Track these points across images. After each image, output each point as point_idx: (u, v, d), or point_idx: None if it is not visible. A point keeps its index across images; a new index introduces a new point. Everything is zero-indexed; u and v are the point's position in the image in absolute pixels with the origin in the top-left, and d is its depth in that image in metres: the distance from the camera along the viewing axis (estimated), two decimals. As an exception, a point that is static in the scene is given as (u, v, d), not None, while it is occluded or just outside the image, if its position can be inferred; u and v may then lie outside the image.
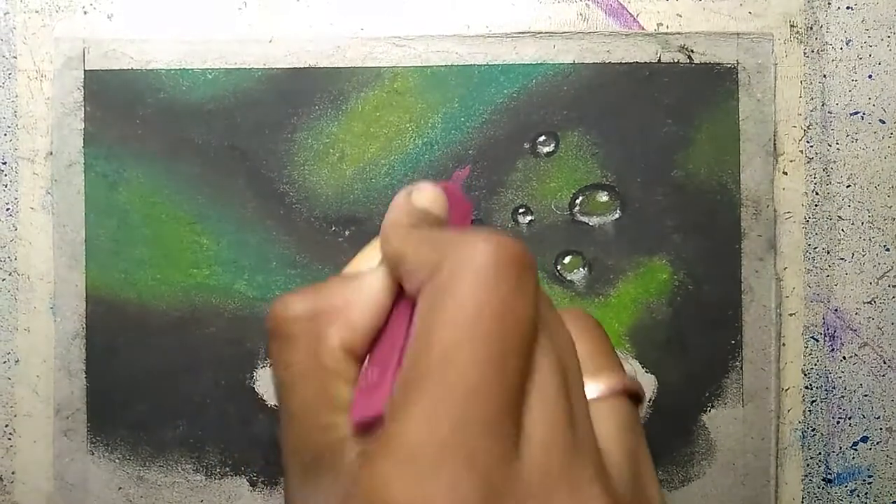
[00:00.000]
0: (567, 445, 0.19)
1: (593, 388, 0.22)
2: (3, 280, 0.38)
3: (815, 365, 0.38)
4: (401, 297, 0.23)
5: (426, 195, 0.25)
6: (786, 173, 0.38)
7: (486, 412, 0.18)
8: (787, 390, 0.38)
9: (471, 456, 0.18)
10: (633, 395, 0.23)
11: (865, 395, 0.38)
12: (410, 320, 0.22)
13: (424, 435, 0.18)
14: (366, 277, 0.24)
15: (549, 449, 0.19)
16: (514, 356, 0.19)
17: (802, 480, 0.38)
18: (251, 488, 0.38)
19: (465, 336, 0.19)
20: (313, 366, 0.22)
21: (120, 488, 0.37)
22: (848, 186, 0.38)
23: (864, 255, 0.38)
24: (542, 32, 0.38)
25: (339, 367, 0.23)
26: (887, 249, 0.38)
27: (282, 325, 0.23)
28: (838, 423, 0.38)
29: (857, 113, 0.38)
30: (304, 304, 0.23)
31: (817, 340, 0.38)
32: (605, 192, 0.38)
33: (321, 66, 0.37)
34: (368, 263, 0.25)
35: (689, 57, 0.38)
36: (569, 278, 0.38)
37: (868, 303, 0.38)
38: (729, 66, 0.38)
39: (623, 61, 0.38)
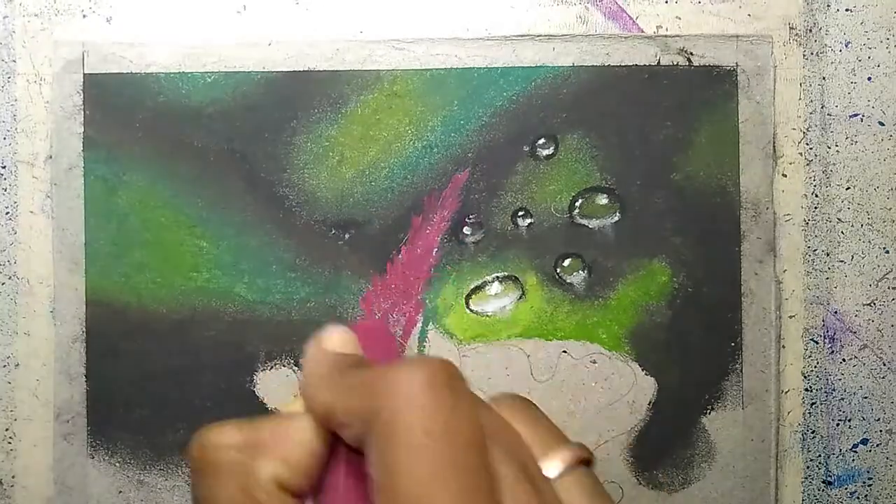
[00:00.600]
0: None
1: (552, 467, 0.22)
2: (3, 284, 0.38)
3: (815, 367, 0.38)
4: (337, 442, 0.23)
5: (335, 339, 0.24)
6: (785, 175, 0.38)
7: None
8: (786, 392, 0.38)
9: None
10: (586, 462, 0.23)
11: (865, 398, 0.38)
12: (352, 466, 0.22)
13: None
14: (300, 418, 0.23)
15: None
16: (476, 473, 0.19)
17: (802, 483, 0.38)
18: (251, 492, 0.38)
19: (428, 476, 0.19)
20: (242, 499, 0.21)
21: (120, 492, 0.37)
22: (847, 189, 0.38)
23: (863, 258, 0.38)
24: (541, 35, 0.38)
25: (271, 502, 0.22)
26: (887, 251, 0.38)
27: (208, 454, 0.22)
28: (838, 425, 0.38)
29: (856, 115, 0.38)
30: (233, 435, 0.22)
31: (817, 342, 0.38)
32: (605, 195, 0.38)
33: (320, 69, 0.38)
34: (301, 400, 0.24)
35: (689, 59, 0.38)
36: (568, 281, 0.38)
37: (868, 305, 0.38)
38: (728, 68, 0.38)
39: (622, 64, 0.38)
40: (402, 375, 0.20)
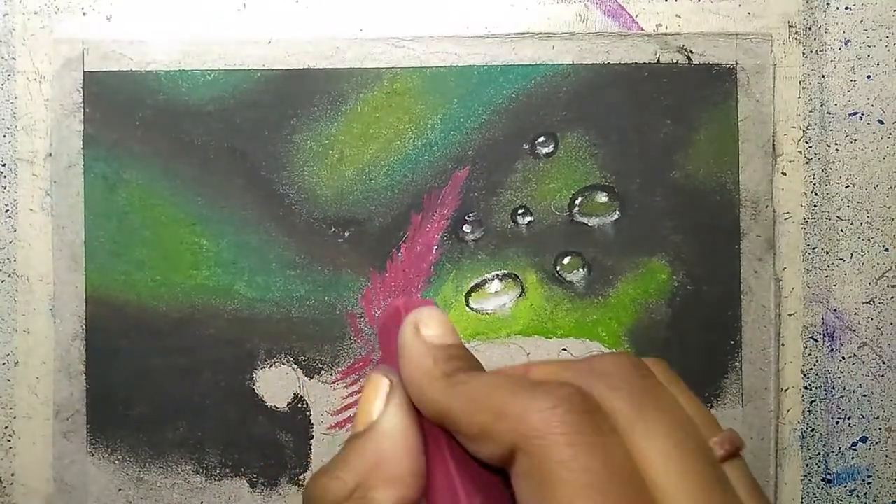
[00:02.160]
0: None
1: (715, 450, 0.21)
2: (3, 282, 0.38)
3: (815, 365, 0.38)
4: (428, 427, 0.22)
5: (435, 326, 0.23)
6: (785, 174, 0.38)
7: None
8: (786, 390, 0.38)
9: None
10: (738, 451, 0.22)
11: (864, 396, 0.38)
12: (459, 458, 0.21)
13: None
14: (383, 422, 0.22)
15: None
16: (636, 493, 0.19)
17: (802, 480, 0.38)
18: (251, 489, 0.38)
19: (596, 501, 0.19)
20: None
21: (119, 490, 0.37)
22: (847, 187, 0.38)
23: (863, 256, 0.38)
24: (540, 33, 0.38)
25: None
26: (886, 250, 0.38)
27: None
28: (837, 423, 0.38)
29: (855, 113, 0.38)
30: (338, 483, 0.22)
31: (816, 341, 0.38)
32: (605, 193, 0.38)
33: (320, 67, 0.38)
34: (374, 406, 0.23)
35: (688, 57, 0.38)
36: (568, 279, 0.38)
37: (867, 303, 0.38)
38: (728, 66, 0.38)
39: (622, 62, 0.38)
40: (539, 404, 0.19)
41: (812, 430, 0.38)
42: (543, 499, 0.19)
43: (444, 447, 0.22)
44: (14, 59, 0.38)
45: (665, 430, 0.20)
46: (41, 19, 0.38)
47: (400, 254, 0.38)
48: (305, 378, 0.38)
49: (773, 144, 0.38)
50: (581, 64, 0.38)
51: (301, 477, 0.37)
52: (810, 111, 0.38)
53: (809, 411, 0.38)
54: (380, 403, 0.23)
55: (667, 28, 0.38)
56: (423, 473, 0.22)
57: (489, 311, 0.38)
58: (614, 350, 0.23)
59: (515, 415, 0.19)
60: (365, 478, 0.21)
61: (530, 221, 0.38)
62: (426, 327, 0.23)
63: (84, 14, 0.38)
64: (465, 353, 0.23)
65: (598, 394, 0.21)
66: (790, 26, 0.38)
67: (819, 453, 0.38)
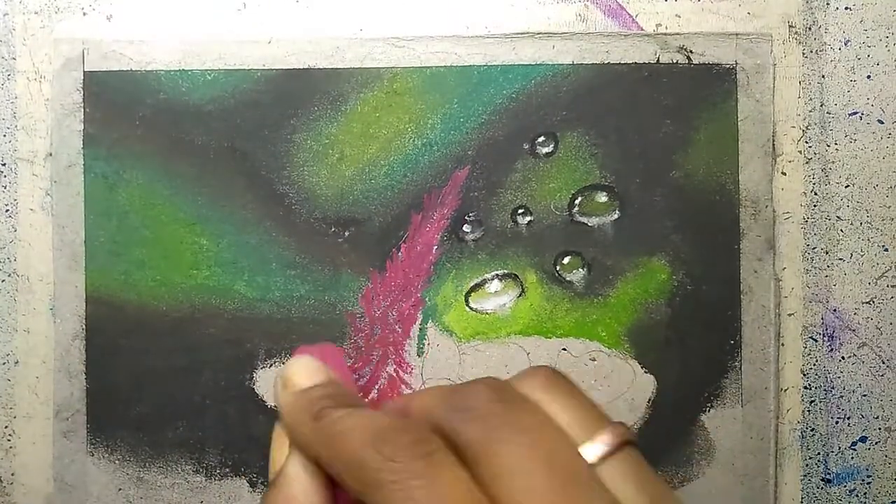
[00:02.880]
0: None
1: (592, 451, 0.22)
2: (3, 281, 0.38)
3: (814, 365, 0.38)
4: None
5: (300, 374, 0.24)
6: (784, 173, 0.38)
7: None
8: (786, 390, 0.38)
9: None
10: (630, 443, 0.23)
11: (864, 395, 0.38)
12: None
13: None
14: (287, 469, 0.23)
15: None
16: None
17: (801, 480, 0.38)
18: (251, 489, 0.38)
19: None
20: None
21: (120, 489, 0.37)
22: (847, 186, 0.38)
23: (862, 256, 0.38)
24: (540, 33, 0.38)
25: None
26: (886, 249, 0.38)
27: None
28: (837, 423, 0.38)
29: (855, 113, 0.38)
30: None
31: (816, 340, 0.38)
32: (605, 193, 0.38)
33: (320, 67, 0.38)
34: (279, 456, 0.24)
35: (688, 57, 0.38)
36: (568, 279, 0.38)
37: (867, 303, 0.38)
38: (728, 66, 0.38)
39: (622, 62, 0.38)
40: (377, 456, 0.20)
41: (812, 430, 0.38)
42: None
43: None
44: (14, 58, 0.38)
45: (517, 453, 0.21)
46: (41, 19, 0.38)
47: (400, 254, 0.38)
48: (305, 378, 0.38)
49: (773, 144, 0.38)
50: (581, 64, 0.38)
51: (301, 476, 0.37)
52: (810, 111, 0.38)
53: (809, 411, 0.38)
54: (284, 452, 0.24)
55: (667, 28, 0.38)
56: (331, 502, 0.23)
57: (489, 311, 0.38)
58: (490, 379, 0.24)
59: (357, 465, 0.21)
60: None
61: (530, 221, 0.38)
62: (294, 376, 0.24)
63: (84, 14, 0.38)
64: (335, 389, 0.24)
65: (453, 427, 0.21)
66: (790, 26, 0.38)
67: (819, 453, 0.38)
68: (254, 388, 0.38)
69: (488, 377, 0.23)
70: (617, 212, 0.38)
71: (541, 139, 0.38)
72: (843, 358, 0.38)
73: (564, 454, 0.21)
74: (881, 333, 0.38)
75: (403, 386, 0.38)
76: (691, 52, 0.38)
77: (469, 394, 0.22)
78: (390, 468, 0.20)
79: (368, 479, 0.20)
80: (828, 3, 0.38)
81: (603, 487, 0.21)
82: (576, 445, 0.21)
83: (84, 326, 0.37)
